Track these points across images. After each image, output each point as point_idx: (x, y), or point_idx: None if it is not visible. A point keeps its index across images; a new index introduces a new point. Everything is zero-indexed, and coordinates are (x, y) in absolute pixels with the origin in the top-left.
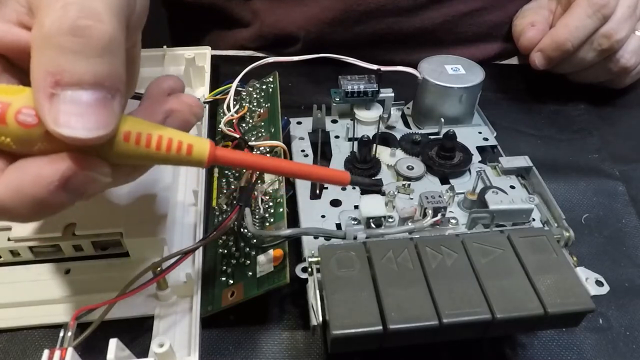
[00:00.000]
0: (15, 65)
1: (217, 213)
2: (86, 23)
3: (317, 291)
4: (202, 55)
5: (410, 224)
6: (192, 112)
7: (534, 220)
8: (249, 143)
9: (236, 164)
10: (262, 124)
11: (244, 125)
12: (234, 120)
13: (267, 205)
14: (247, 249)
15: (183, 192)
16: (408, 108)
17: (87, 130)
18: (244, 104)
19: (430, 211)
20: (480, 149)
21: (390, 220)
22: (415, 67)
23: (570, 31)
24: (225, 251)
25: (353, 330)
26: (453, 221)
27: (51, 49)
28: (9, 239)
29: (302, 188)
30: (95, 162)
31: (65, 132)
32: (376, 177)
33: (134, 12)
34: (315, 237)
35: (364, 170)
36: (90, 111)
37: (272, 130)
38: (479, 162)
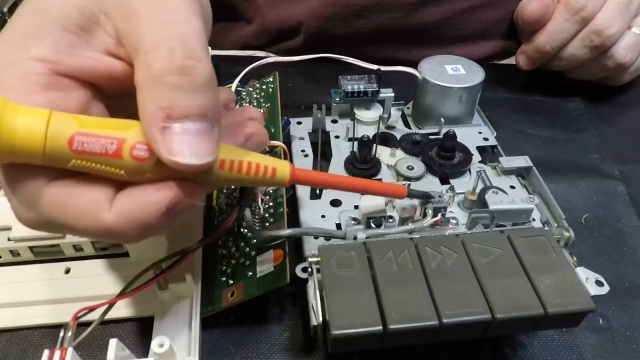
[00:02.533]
0: (102, 93)
1: (217, 213)
2: (191, 63)
3: (317, 291)
4: None
5: (410, 224)
6: (266, 134)
7: (534, 220)
8: None
9: (313, 183)
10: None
11: None
12: None
13: (267, 205)
14: (247, 249)
15: None
16: (408, 108)
17: (198, 158)
18: (244, 104)
19: (430, 211)
20: (480, 149)
21: (390, 220)
22: (415, 64)
23: (548, 34)
24: (225, 251)
25: (353, 330)
26: (453, 221)
27: (162, 87)
28: (9, 239)
29: (302, 188)
30: (196, 188)
31: (180, 160)
32: (376, 177)
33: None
34: (315, 237)
35: (364, 171)
36: (198, 140)
37: (272, 130)
38: (479, 162)
